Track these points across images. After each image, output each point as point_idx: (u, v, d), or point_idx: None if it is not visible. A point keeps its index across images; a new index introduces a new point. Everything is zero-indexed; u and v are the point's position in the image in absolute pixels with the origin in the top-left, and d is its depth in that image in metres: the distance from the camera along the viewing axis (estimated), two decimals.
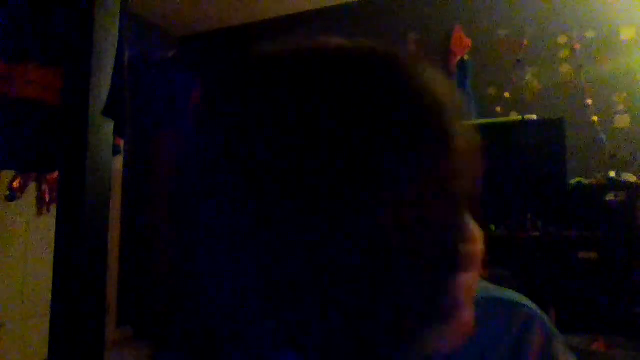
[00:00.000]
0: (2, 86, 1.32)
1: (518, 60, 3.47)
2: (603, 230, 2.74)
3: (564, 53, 3.36)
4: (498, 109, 3.47)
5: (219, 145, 0.27)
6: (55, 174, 1.82)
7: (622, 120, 3.17)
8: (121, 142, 1.59)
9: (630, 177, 2.88)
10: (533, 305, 0.44)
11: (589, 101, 3.24)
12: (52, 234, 1.21)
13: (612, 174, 2.95)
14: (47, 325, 1.15)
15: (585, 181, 2.97)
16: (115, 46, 1.37)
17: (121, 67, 1.42)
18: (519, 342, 0.41)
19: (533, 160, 3.09)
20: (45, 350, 1.14)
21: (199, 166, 0.27)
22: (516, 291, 0.46)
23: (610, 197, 2.79)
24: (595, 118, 3.20)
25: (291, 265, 0.24)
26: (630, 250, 2.67)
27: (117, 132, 1.38)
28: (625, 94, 3.18)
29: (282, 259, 0.24)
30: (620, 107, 3.19)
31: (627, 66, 3.20)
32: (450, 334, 0.30)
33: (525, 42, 3.46)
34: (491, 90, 3.52)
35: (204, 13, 4.21)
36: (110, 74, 1.32)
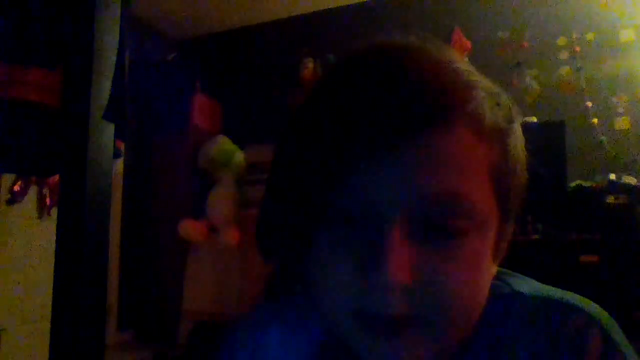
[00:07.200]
0: (2, 89, 1.32)
1: (518, 63, 3.47)
2: (604, 233, 2.73)
3: (563, 55, 3.37)
4: None
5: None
6: (56, 177, 1.82)
7: (623, 123, 3.17)
8: (122, 145, 1.59)
9: (631, 180, 2.87)
10: (598, 311, 0.40)
11: (589, 103, 3.24)
12: (53, 237, 1.21)
13: (612, 176, 2.93)
14: (48, 329, 1.15)
15: (586, 184, 2.96)
16: (116, 49, 1.37)
17: (122, 71, 1.42)
18: (572, 347, 0.37)
19: (533, 163, 3.04)
20: (47, 354, 1.14)
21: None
22: None
23: (611, 200, 2.78)
24: (595, 120, 3.20)
25: None
26: (631, 253, 2.66)
27: (118, 135, 1.38)
28: (625, 96, 3.18)
29: None
30: (621, 109, 3.19)
31: (627, 68, 3.20)
32: None
33: (525, 44, 3.46)
34: None
35: (204, 16, 4.21)
36: (111, 77, 1.32)
